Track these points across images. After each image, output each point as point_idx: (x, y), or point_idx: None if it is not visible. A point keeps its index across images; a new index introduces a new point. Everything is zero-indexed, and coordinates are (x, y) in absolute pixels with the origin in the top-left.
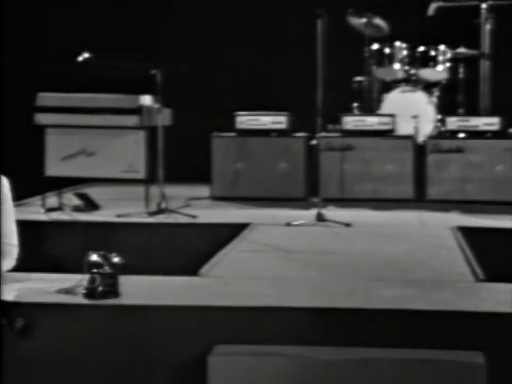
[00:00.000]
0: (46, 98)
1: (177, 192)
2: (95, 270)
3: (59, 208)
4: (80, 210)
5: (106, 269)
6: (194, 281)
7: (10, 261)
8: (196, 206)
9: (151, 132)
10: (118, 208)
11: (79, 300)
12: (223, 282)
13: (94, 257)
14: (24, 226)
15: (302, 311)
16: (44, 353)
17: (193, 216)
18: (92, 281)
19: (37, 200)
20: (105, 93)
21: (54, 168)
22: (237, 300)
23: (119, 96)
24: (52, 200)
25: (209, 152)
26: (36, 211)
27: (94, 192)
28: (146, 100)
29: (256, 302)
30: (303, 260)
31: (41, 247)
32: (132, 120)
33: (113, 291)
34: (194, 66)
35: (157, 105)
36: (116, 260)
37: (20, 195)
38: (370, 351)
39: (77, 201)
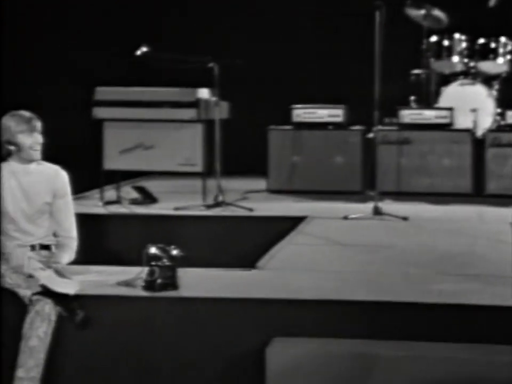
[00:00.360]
0: (104, 92)
1: (234, 185)
2: (154, 263)
3: (117, 201)
4: (138, 203)
5: (165, 261)
6: (252, 274)
7: (70, 254)
8: (253, 199)
9: (209, 125)
10: (176, 201)
11: (138, 292)
12: (280, 275)
13: (153, 250)
14: (83, 219)
15: (360, 304)
16: (103, 345)
17: (250, 209)
18: (151, 273)
19: (95, 193)
20: (163, 87)
21: (112, 161)
22: (295, 293)
23: (177, 89)
24: (110, 193)
25: (266, 145)
26: (94, 204)
27: (151, 185)
28: (203, 93)
29: (314, 295)
30: (360, 254)
31: (100, 240)
32: (190, 113)
33: (172, 283)
34: (251, 59)
35: (214, 99)
36: (174, 252)
37: (78, 188)
38: (429, 346)
39: (135, 195)
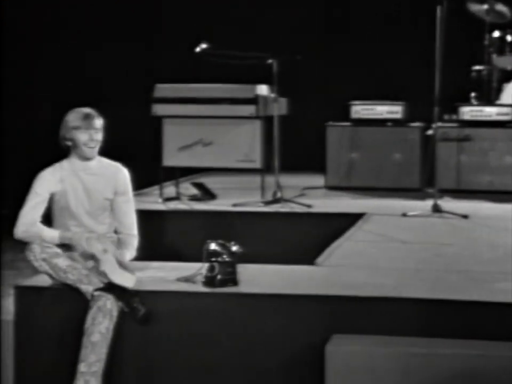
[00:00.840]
0: (163, 89)
1: (292, 181)
2: (214, 259)
3: (176, 198)
4: (197, 200)
5: (225, 257)
6: (311, 270)
7: (131, 251)
8: (311, 196)
9: (267, 121)
10: (234, 197)
11: (198, 288)
12: (339, 272)
13: (213, 246)
14: (142, 216)
15: (420, 302)
16: (164, 340)
17: (308, 206)
18: (211, 269)
19: (154, 190)
20: (222, 83)
21: (171, 158)
22: (354, 290)
23: (236, 86)
24: (169, 190)
25: (324, 142)
26: (154, 201)
27: (210, 181)
28: (262, 89)
29: (374, 292)
30: (419, 251)
31: (160, 236)
32: (248, 110)
33: (232, 279)
34: (310, 55)
35: (273, 95)
36: (234, 248)
37: (138, 185)
38: (489, 345)
39: (194, 191)
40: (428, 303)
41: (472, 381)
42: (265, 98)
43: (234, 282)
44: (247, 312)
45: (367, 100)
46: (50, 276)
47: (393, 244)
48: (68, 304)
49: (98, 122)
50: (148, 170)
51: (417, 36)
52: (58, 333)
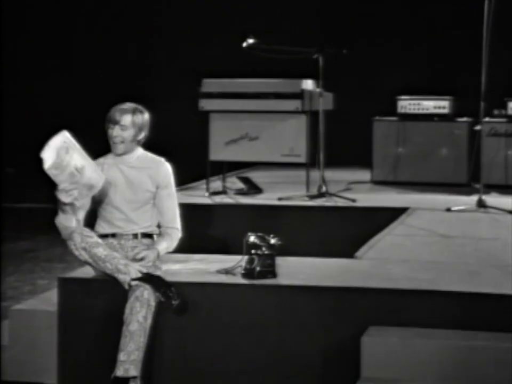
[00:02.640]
0: (210, 84)
1: (338, 176)
2: (253, 251)
3: (223, 192)
4: (243, 194)
5: (265, 250)
6: (350, 263)
7: (169, 243)
8: (356, 190)
9: (313, 116)
10: (280, 191)
11: (238, 279)
12: (378, 265)
13: (253, 238)
14: (188, 209)
15: (456, 295)
16: (202, 331)
17: (353, 200)
18: (250, 261)
19: (201, 184)
20: (268, 78)
21: (218, 152)
22: (392, 283)
23: (282, 80)
24: (216, 184)
25: (370, 136)
26: (200, 195)
27: (257, 176)
28: (308, 84)
29: (411, 285)
30: (459, 245)
31: (205, 230)
32: (294, 104)
33: (271, 271)
34: (356, 49)
35: (318, 90)
36: (273, 241)
37: (185, 179)
38: None
39: (240, 185)
40: (463, 296)
41: (508, 373)
42: (310, 93)
43: (273, 274)
44: (285, 304)
45: (414, 94)
46: (90, 264)
47: (434, 238)
48: (109, 295)
49: (128, 119)
50: (195, 165)
51: (466, 30)
52: (99, 322)
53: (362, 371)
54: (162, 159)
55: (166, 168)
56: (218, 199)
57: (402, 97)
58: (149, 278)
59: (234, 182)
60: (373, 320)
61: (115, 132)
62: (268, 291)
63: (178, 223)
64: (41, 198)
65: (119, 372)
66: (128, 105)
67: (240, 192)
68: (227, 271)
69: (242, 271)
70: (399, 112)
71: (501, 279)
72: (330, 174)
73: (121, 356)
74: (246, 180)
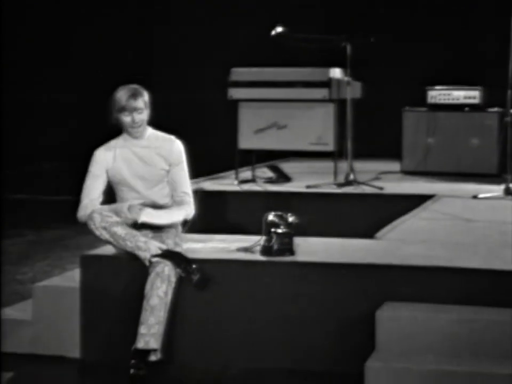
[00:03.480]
0: (239, 73)
1: (368, 167)
2: (272, 229)
3: (252, 180)
4: (272, 182)
5: (283, 228)
6: (369, 243)
7: (186, 208)
8: (385, 180)
9: (341, 104)
10: (309, 180)
11: (256, 257)
12: (396, 245)
13: (271, 217)
14: (216, 196)
15: (472, 272)
16: (221, 306)
17: (380, 188)
18: (268, 239)
19: (232, 174)
20: (298, 67)
21: (247, 141)
22: (408, 260)
23: (309, 69)
24: (246, 174)
25: (399, 127)
26: (229, 183)
27: (286, 166)
28: (336, 72)
29: (428, 262)
30: (481, 228)
31: (231, 215)
32: (321, 93)
33: (288, 249)
34: (385, 39)
35: (346, 78)
36: (291, 219)
37: (215, 168)
38: None
39: (269, 174)
40: (479, 273)
41: None
42: (338, 81)
43: (291, 252)
44: (302, 280)
45: (444, 84)
46: (111, 243)
47: (457, 221)
48: (130, 271)
49: (141, 101)
50: (224, 153)
51: (496, 20)
52: (121, 298)
53: (377, 344)
54: (173, 137)
55: (177, 146)
56: (247, 187)
57: (432, 87)
58: (169, 255)
59: (264, 172)
60: (389, 296)
61: (136, 118)
62: (285, 267)
63: (190, 192)
64: (67, 191)
65: (140, 344)
66: (133, 88)
67: (269, 181)
68: (246, 249)
69: (261, 249)
70: (429, 102)
71: None
72: (359, 165)
73: (142, 329)
74: (275, 169)
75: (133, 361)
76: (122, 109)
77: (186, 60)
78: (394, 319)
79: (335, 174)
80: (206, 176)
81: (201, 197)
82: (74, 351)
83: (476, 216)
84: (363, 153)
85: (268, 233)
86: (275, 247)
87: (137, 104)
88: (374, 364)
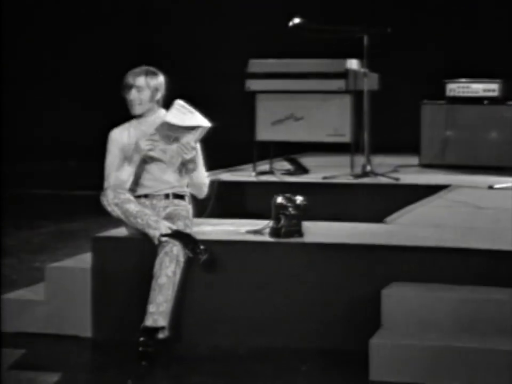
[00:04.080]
0: (257, 64)
1: (386, 160)
2: (281, 212)
3: (270, 172)
4: (290, 174)
5: (291, 210)
6: (377, 227)
7: (203, 193)
8: (403, 172)
9: (358, 96)
10: (326, 172)
11: (265, 238)
12: (404, 228)
13: (280, 199)
14: (233, 186)
15: (477, 252)
16: (230, 286)
17: (397, 179)
18: (277, 221)
19: (250, 167)
20: (315, 58)
21: (264, 132)
22: (415, 241)
23: (326, 60)
24: (264, 167)
25: (417, 120)
26: (247, 175)
27: (304, 159)
28: (352, 63)
29: (434, 243)
30: (492, 214)
31: (245, 205)
32: (337, 84)
33: (297, 231)
34: (402, 30)
35: (363, 70)
36: (299, 201)
37: (233, 160)
38: None
39: (287, 166)
40: (485, 254)
41: None
42: (355, 72)
43: (300, 233)
44: (310, 260)
45: (462, 77)
46: (122, 221)
47: (468, 208)
48: (140, 252)
49: (142, 80)
50: (242, 145)
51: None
52: (131, 278)
53: (382, 322)
54: None
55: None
56: (264, 178)
57: (451, 80)
58: (178, 235)
59: (283, 165)
60: (395, 277)
61: (132, 95)
62: (293, 248)
63: (205, 172)
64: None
65: (148, 322)
66: (141, 68)
67: (287, 173)
68: (256, 232)
69: (270, 231)
70: (448, 95)
71: None
72: (377, 159)
73: (150, 308)
74: (293, 161)
75: (141, 338)
76: (124, 86)
77: (203, 51)
78: (399, 297)
79: (352, 165)
80: (224, 168)
81: (219, 187)
82: (86, 331)
83: (488, 204)
84: (380, 147)
85: (277, 216)
86: (283, 228)
87: (136, 82)
88: (377, 341)
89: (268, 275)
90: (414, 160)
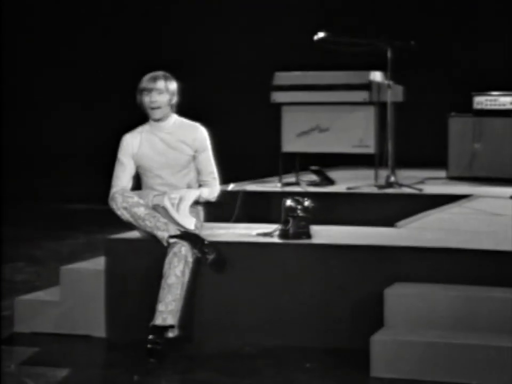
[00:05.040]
0: (282, 77)
1: (414, 173)
2: (290, 214)
3: (295, 183)
4: (316, 185)
5: (299, 212)
6: (387, 230)
7: (213, 190)
8: (429, 184)
9: (382, 107)
10: (351, 183)
11: (273, 240)
12: (414, 232)
13: (289, 202)
14: (257, 196)
15: (479, 253)
16: (239, 286)
17: (420, 190)
18: (285, 223)
19: (276, 179)
20: (340, 70)
21: (290, 144)
22: (420, 243)
23: (350, 72)
24: (290, 178)
25: (442, 132)
26: (273, 186)
27: (330, 173)
28: (376, 75)
29: (439, 245)
30: (506, 221)
31: (268, 214)
32: (361, 95)
33: (305, 233)
34: (428, 43)
35: (387, 81)
36: (306, 203)
37: (260, 172)
38: None
39: (313, 177)
40: (485, 254)
41: None
42: (378, 84)
43: (308, 235)
44: (317, 261)
45: (489, 90)
46: (131, 224)
47: (483, 216)
48: (151, 253)
49: (162, 84)
50: (268, 156)
51: None
52: (143, 279)
53: (385, 320)
54: (197, 124)
55: (201, 132)
56: (289, 189)
57: (478, 93)
58: (186, 235)
59: (310, 178)
60: (399, 277)
61: (152, 97)
62: (299, 249)
63: (216, 175)
64: None
65: (158, 321)
66: (158, 72)
67: (313, 184)
68: (266, 234)
69: (279, 233)
70: (476, 108)
71: None
72: (405, 173)
73: (160, 307)
74: (319, 172)
75: (150, 336)
76: (143, 90)
77: (229, 64)
78: (401, 296)
79: (376, 176)
80: (251, 180)
81: (243, 197)
82: (100, 331)
83: (504, 212)
84: (407, 160)
85: (286, 218)
86: (292, 230)
87: (156, 85)
88: (378, 338)
89: (276, 276)
90: (442, 173)
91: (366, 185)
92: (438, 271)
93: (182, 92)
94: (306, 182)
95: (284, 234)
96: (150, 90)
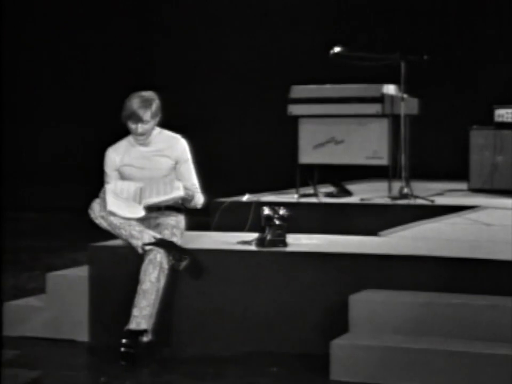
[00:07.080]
0: (298, 90)
1: (436, 185)
2: (268, 223)
3: (313, 195)
4: (333, 197)
5: (276, 221)
6: (368, 239)
7: (199, 197)
8: (448, 196)
9: (396, 120)
10: (367, 195)
11: (249, 247)
12: (392, 241)
13: (266, 211)
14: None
15: (448, 261)
16: (214, 292)
17: (432, 201)
18: (262, 231)
19: (293, 191)
20: (355, 83)
21: (306, 156)
22: (394, 251)
23: (363, 85)
24: (308, 190)
25: (462, 144)
26: (289, 198)
27: (350, 185)
28: (389, 89)
29: (410, 252)
30: (496, 231)
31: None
32: (374, 108)
33: (281, 241)
34: (448, 56)
35: (401, 94)
36: (281, 212)
37: (276, 184)
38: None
39: (331, 188)
40: (453, 262)
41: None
42: (392, 97)
43: (284, 243)
44: (290, 269)
45: (506, 103)
46: (109, 232)
47: (477, 226)
48: (133, 261)
49: (148, 114)
50: (285, 168)
51: None
52: (125, 285)
53: (350, 326)
54: (178, 136)
55: (182, 144)
56: (306, 200)
57: (499, 105)
58: (161, 243)
59: (325, 186)
60: (369, 284)
61: (140, 129)
62: (272, 257)
63: (197, 184)
64: None
65: (132, 325)
66: (144, 98)
67: (330, 195)
68: (245, 242)
69: (256, 241)
70: (496, 120)
71: (495, 249)
72: (426, 185)
73: (135, 311)
74: (336, 184)
75: (124, 340)
76: (130, 117)
77: (247, 77)
78: (365, 302)
79: (390, 187)
80: (269, 192)
81: (256, 207)
82: (83, 335)
83: (501, 222)
84: (425, 172)
85: (263, 226)
86: (268, 238)
87: (144, 116)
88: (338, 342)
89: (249, 283)
90: (464, 186)
91: (379, 196)
92: (406, 278)
93: (196, 104)
94: (324, 194)
95: (260, 242)
96: (136, 121)
